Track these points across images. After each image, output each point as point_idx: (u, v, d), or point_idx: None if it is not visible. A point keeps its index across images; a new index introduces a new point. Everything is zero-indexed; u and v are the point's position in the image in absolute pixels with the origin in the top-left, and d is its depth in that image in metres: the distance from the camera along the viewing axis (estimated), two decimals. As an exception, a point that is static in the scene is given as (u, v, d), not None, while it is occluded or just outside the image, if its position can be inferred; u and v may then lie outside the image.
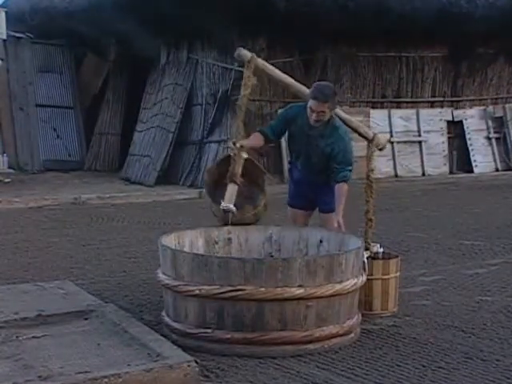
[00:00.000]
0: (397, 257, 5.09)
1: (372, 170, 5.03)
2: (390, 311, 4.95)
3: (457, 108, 14.31)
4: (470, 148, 14.20)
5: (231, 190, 5.06)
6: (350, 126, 5.24)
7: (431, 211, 9.94)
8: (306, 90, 5.26)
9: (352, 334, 4.40)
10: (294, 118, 5.15)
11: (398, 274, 5.01)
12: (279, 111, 5.38)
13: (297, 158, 5.29)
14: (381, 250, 5.06)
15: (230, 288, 4.08)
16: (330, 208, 5.12)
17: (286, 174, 12.65)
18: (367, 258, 4.70)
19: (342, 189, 4.99)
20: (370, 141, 5.19)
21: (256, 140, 5.26)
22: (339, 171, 5.01)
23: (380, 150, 5.27)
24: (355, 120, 5.39)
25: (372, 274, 4.80)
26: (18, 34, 14.95)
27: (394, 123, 13.75)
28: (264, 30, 12.62)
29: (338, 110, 5.23)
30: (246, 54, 5.48)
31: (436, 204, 10.69)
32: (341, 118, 5.19)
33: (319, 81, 13.00)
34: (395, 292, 5.00)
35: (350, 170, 5.06)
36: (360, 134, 5.27)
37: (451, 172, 14.02)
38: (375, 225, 5.09)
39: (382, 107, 13.80)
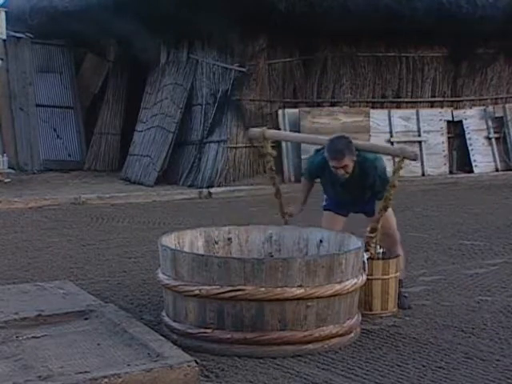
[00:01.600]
0: (397, 256, 5.09)
1: (394, 186, 4.97)
2: (390, 311, 4.95)
3: (457, 108, 14.29)
4: (469, 148, 14.19)
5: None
6: (376, 152, 5.23)
7: (431, 211, 9.94)
8: (323, 140, 5.25)
9: (352, 334, 4.40)
10: (321, 171, 5.15)
11: (397, 274, 5.01)
12: (307, 164, 5.43)
13: (335, 197, 5.27)
14: (380, 250, 5.05)
15: (230, 288, 4.08)
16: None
17: (286, 173, 12.68)
18: (367, 259, 4.70)
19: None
20: (400, 157, 5.13)
21: (306, 188, 5.34)
22: (380, 193, 5.00)
23: (414, 160, 5.26)
24: (378, 144, 5.38)
25: (372, 274, 4.79)
26: (18, 34, 14.94)
27: (394, 123, 13.73)
28: (264, 30, 12.62)
29: (357, 143, 5.14)
30: (256, 132, 5.51)
31: (436, 204, 10.69)
32: (364, 150, 5.15)
33: (319, 81, 13.00)
34: (395, 292, 5.00)
35: (386, 190, 5.00)
36: (388, 154, 5.27)
37: (451, 172, 14.00)
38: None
39: (382, 107, 13.78)
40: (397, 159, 5.17)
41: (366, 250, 4.85)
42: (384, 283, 4.91)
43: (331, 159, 4.94)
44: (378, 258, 4.98)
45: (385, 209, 4.95)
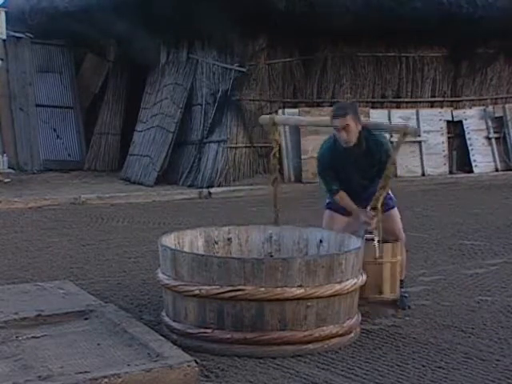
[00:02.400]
0: (397, 240, 5.07)
1: (393, 163, 4.94)
2: (396, 294, 4.94)
3: (457, 108, 14.30)
4: (469, 148, 14.19)
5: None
6: (382, 129, 5.21)
7: (431, 211, 9.94)
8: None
9: (352, 334, 4.40)
10: (332, 155, 5.06)
11: (399, 257, 5.00)
12: (318, 161, 5.32)
13: (347, 188, 5.13)
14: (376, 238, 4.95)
15: (230, 288, 4.08)
16: (389, 206, 5.10)
17: (286, 173, 12.68)
18: (378, 242, 4.69)
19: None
20: (404, 132, 5.05)
21: (347, 200, 5.11)
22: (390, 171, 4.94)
23: (416, 135, 5.23)
24: (381, 122, 5.38)
25: (382, 257, 4.78)
26: (17, 34, 14.94)
27: (394, 123, 13.73)
28: (264, 30, 12.62)
29: (362, 121, 5.09)
30: (266, 118, 5.51)
31: (436, 204, 10.69)
32: (370, 128, 5.11)
33: (319, 81, 13.03)
34: (399, 275, 4.99)
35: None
36: (392, 131, 5.24)
37: (451, 172, 14.01)
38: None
39: (382, 107, 13.78)
40: (398, 135, 5.09)
41: (370, 233, 4.82)
42: (393, 266, 4.88)
43: (334, 118, 4.87)
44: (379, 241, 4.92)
45: (384, 187, 4.86)
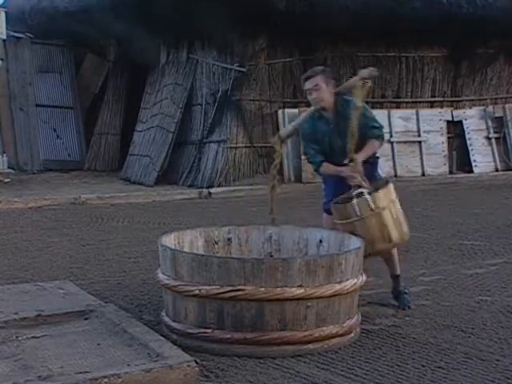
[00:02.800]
0: (387, 182, 4.99)
1: (357, 108, 4.84)
2: (406, 237, 4.96)
3: (456, 108, 14.30)
4: (469, 148, 14.19)
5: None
6: (349, 90, 5.11)
7: (431, 211, 9.94)
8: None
9: (352, 334, 4.40)
10: (312, 128, 5.08)
11: (395, 198, 4.92)
12: (301, 136, 5.34)
13: (331, 157, 5.09)
14: (366, 192, 4.86)
15: (230, 288, 4.08)
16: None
17: (286, 174, 12.68)
18: (369, 194, 4.68)
19: (373, 143, 4.93)
20: (360, 77, 4.97)
21: (332, 167, 5.07)
22: (370, 130, 4.92)
23: (371, 75, 5.03)
24: (346, 83, 5.28)
25: (379, 207, 4.74)
26: (17, 34, 14.95)
27: (394, 123, 13.75)
28: (264, 30, 12.62)
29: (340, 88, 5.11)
30: (274, 140, 5.43)
31: (436, 204, 10.69)
32: (343, 92, 5.08)
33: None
34: (402, 216, 4.96)
35: (380, 128, 4.97)
36: (355, 86, 5.07)
37: (451, 172, 14.01)
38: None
39: (382, 107, 13.78)
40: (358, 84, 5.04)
41: (359, 187, 4.78)
42: (392, 210, 4.83)
43: (304, 81, 4.96)
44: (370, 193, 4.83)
45: (351, 138, 4.83)
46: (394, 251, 5.21)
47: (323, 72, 5.00)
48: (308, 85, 4.95)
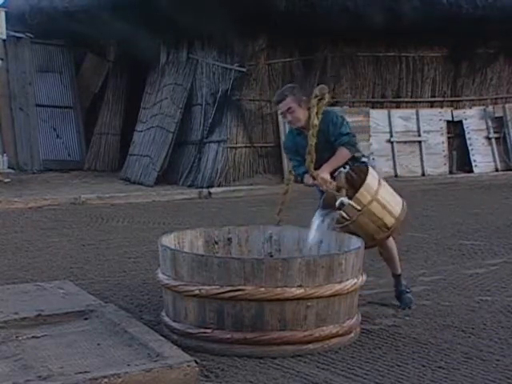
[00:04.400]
0: (366, 169, 4.87)
1: (314, 125, 4.85)
2: (402, 216, 4.86)
3: (456, 108, 14.31)
4: (469, 148, 14.20)
5: None
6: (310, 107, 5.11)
7: (431, 211, 9.94)
8: None
9: (352, 334, 4.40)
10: (293, 141, 5.13)
11: (377, 187, 4.81)
12: (284, 149, 5.40)
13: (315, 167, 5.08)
14: (346, 200, 4.81)
15: (230, 288, 4.08)
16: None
17: (286, 174, 12.67)
18: (349, 199, 4.63)
19: (340, 152, 4.88)
20: (315, 95, 4.98)
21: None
22: (338, 138, 4.89)
23: (320, 100, 5.02)
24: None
25: (364, 205, 4.67)
26: (18, 34, 14.96)
27: (394, 123, 13.75)
28: (264, 30, 12.63)
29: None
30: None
31: (436, 204, 10.69)
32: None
33: (319, 81, 12.97)
34: (392, 195, 4.87)
35: (348, 135, 4.90)
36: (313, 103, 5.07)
37: (451, 172, 14.02)
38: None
39: (382, 107, 13.80)
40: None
41: (339, 208, 4.74)
42: (379, 199, 4.75)
43: (276, 105, 5.00)
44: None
45: (310, 153, 4.84)
46: (394, 251, 5.21)
47: (292, 92, 4.98)
48: (281, 108, 4.97)
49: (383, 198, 4.81)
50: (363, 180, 4.80)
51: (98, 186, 12.54)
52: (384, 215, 4.79)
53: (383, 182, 4.89)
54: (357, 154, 5.01)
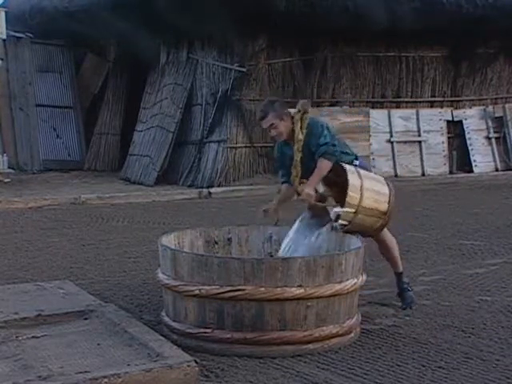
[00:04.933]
0: (341, 168, 4.83)
1: (299, 140, 4.89)
2: (392, 196, 4.81)
3: (457, 108, 14.30)
4: (469, 148, 14.20)
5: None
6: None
7: (431, 211, 9.94)
8: None
9: (352, 334, 4.40)
10: (280, 152, 5.15)
11: (360, 173, 4.78)
12: (275, 157, 5.45)
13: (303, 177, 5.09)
14: (339, 209, 4.76)
15: (230, 288, 4.08)
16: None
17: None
18: (338, 216, 4.63)
19: (320, 164, 4.85)
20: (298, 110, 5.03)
21: (286, 193, 5.21)
22: (318, 148, 4.86)
23: (303, 114, 5.03)
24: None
25: (356, 205, 4.65)
26: (18, 34, 14.96)
27: (394, 123, 13.75)
28: (264, 30, 12.62)
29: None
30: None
31: (436, 204, 10.69)
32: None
33: (319, 81, 12.91)
34: (376, 180, 4.85)
35: (327, 144, 4.84)
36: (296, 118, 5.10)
37: (451, 172, 14.01)
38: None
39: (382, 107, 13.79)
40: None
41: (336, 220, 4.70)
42: (368, 194, 4.71)
43: (259, 121, 5.05)
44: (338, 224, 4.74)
45: (295, 167, 4.89)
46: (394, 250, 5.19)
47: (273, 108, 4.99)
48: (264, 125, 5.01)
49: (370, 189, 4.77)
50: (344, 177, 4.76)
51: (98, 186, 12.53)
52: (378, 204, 4.77)
53: (362, 172, 4.85)
54: (346, 159, 4.99)
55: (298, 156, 4.90)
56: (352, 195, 4.69)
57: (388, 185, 4.94)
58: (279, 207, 5.20)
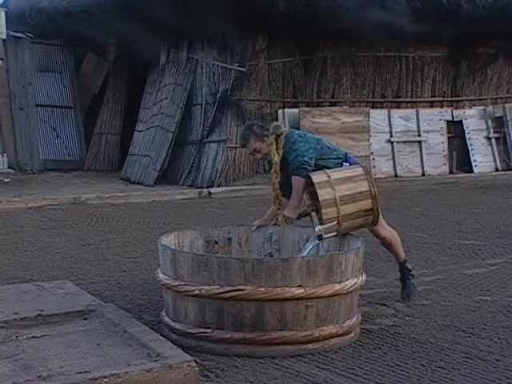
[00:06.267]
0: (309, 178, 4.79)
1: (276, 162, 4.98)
2: (373, 191, 4.67)
3: (457, 108, 14.30)
4: (469, 148, 14.19)
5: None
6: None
7: (431, 211, 9.94)
8: None
9: (352, 334, 4.40)
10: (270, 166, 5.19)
11: (330, 176, 4.69)
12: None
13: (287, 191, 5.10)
14: (320, 227, 4.70)
15: (230, 288, 4.08)
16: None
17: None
18: (323, 230, 4.60)
19: (293, 182, 4.85)
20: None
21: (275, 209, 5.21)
22: (292, 164, 4.86)
23: (278, 136, 4.97)
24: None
25: (336, 217, 4.59)
26: (18, 34, 14.95)
27: (394, 123, 13.74)
28: (264, 30, 12.62)
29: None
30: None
31: (436, 204, 10.69)
32: None
33: (319, 81, 12.96)
34: (349, 182, 4.71)
35: (297, 157, 4.81)
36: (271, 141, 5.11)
37: (451, 172, 14.01)
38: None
39: (382, 107, 13.79)
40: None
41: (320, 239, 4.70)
42: (344, 201, 4.62)
43: (242, 148, 5.22)
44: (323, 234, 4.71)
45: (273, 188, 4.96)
46: (395, 242, 5.19)
47: (251, 132, 5.04)
48: (247, 151, 5.17)
49: (345, 194, 4.63)
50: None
51: (98, 186, 12.53)
52: (360, 205, 4.67)
53: (332, 175, 4.70)
54: (332, 163, 4.96)
55: (274, 179, 4.97)
56: (326, 211, 4.60)
57: (365, 174, 4.73)
58: (270, 223, 5.24)
